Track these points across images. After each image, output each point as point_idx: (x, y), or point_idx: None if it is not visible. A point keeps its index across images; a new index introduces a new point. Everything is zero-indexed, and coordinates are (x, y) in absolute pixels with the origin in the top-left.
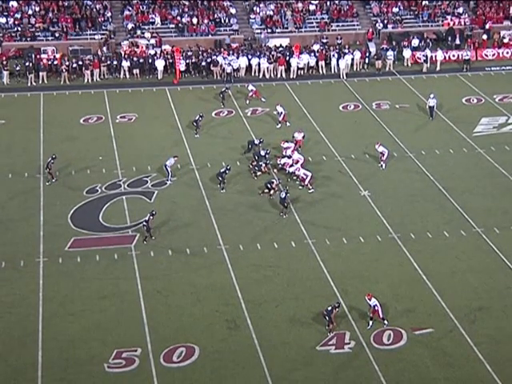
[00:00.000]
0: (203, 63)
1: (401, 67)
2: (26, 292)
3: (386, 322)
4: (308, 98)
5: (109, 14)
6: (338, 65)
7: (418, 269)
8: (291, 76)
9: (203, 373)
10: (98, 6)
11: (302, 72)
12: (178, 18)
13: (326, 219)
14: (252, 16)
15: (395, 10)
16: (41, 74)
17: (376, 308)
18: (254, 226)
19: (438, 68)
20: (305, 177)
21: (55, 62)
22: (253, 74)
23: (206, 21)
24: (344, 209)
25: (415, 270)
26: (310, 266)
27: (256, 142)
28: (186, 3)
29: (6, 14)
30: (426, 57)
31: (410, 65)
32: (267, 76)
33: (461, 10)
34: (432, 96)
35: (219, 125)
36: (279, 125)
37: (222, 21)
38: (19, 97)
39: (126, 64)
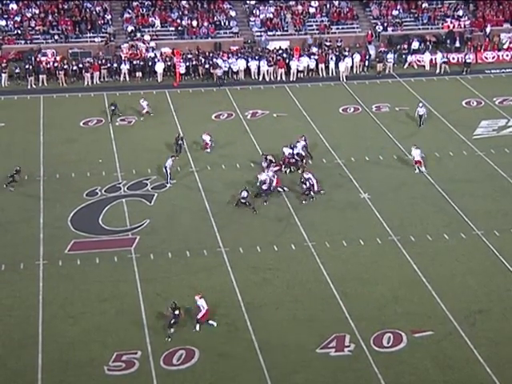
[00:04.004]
0: (206, 66)
1: (401, 70)
2: (26, 294)
3: (212, 323)
4: (308, 100)
5: (109, 17)
6: (336, 67)
7: (418, 271)
8: (291, 79)
9: (203, 375)
10: (97, 9)
11: (302, 75)
12: (178, 20)
13: (325, 222)
14: (252, 19)
15: (395, 12)
16: (41, 76)
17: (201, 309)
18: (253, 229)
19: (437, 71)
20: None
21: (55, 65)
22: (252, 76)
23: (205, 23)
24: (344, 211)
25: (415, 273)
26: (309, 269)
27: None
28: (186, 6)
29: (5, 16)
30: (448, 58)
31: (416, 67)
32: (267, 79)
33: (461, 12)
34: (421, 105)
35: (218, 127)
36: (208, 149)
37: (222, 23)
38: (19, 99)
39: (125, 67)
